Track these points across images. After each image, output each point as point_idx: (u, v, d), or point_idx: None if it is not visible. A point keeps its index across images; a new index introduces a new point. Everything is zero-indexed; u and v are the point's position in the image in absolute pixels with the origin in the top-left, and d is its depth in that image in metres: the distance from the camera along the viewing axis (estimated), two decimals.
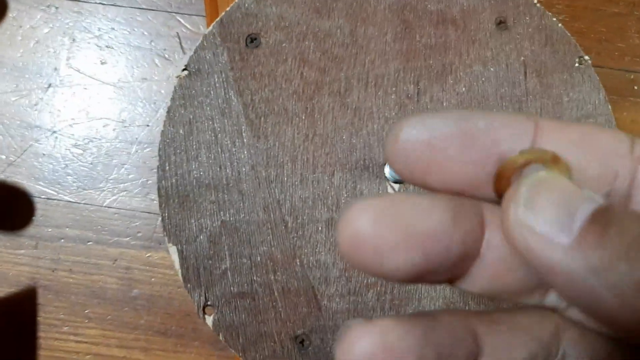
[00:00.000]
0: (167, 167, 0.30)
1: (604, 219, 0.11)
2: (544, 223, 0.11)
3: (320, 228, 0.31)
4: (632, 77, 0.38)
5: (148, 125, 0.39)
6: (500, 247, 0.12)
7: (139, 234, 0.38)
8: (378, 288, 0.30)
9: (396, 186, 0.31)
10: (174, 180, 0.30)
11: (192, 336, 0.38)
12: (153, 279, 0.38)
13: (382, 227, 0.12)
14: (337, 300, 0.30)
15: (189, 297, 0.39)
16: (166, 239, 0.30)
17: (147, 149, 0.41)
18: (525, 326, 0.13)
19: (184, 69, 0.31)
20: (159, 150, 0.31)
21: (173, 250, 0.30)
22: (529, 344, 0.13)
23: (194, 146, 0.31)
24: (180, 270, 0.30)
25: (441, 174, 0.12)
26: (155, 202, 0.39)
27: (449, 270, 0.12)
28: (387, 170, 0.31)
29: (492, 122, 0.12)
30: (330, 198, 0.31)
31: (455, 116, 0.12)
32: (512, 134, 0.12)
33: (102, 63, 0.40)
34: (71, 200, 0.38)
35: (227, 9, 0.32)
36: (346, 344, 0.12)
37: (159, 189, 0.30)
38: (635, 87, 0.38)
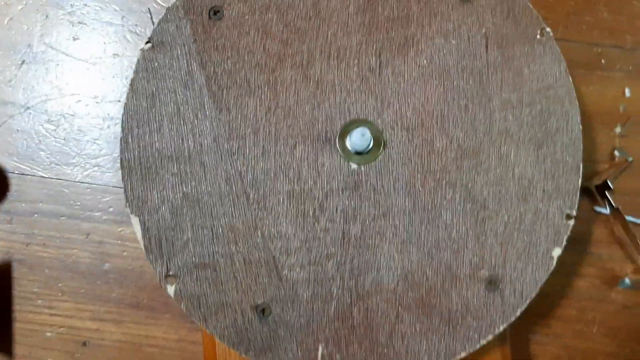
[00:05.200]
0: (130, 140, 0.31)
1: None
2: None
3: (281, 200, 0.31)
4: (599, 50, 0.37)
5: (119, 101, 0.39)
6: None
7: (111, 209, 0.39)
8: (337, 258, 0.31)
9: (356, 158, 0.31)
10: (136, 153, 0.31)
11: (164, 309, 0.38)
12: (125, 253, 0.38)
13: None
14: (298, 270, 0.31)
15: None
16: (129, 210, 0.30)
17: (119, 124, 0.42)
18: None
19: (147, 42, 0.31)
20: (122, 122, 0.31)
21: (135, 221, 0.30)
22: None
23: (157, 118, 0.31)
24: (142, 241, 0.30)
25: None
26: None
27: None
28: (348, 143, 0.31)
29: None
30: (292, 170, 0.31)
31: None
32: None
33: (75, 39, 0.40)
34: (44, 175, 0.39)
35: None
36: None
37: (121, 161, 0.31)
38: (603, 61, 0.37)
